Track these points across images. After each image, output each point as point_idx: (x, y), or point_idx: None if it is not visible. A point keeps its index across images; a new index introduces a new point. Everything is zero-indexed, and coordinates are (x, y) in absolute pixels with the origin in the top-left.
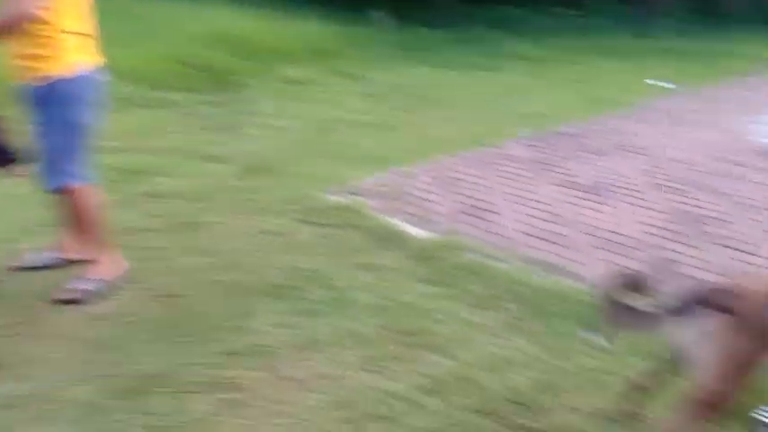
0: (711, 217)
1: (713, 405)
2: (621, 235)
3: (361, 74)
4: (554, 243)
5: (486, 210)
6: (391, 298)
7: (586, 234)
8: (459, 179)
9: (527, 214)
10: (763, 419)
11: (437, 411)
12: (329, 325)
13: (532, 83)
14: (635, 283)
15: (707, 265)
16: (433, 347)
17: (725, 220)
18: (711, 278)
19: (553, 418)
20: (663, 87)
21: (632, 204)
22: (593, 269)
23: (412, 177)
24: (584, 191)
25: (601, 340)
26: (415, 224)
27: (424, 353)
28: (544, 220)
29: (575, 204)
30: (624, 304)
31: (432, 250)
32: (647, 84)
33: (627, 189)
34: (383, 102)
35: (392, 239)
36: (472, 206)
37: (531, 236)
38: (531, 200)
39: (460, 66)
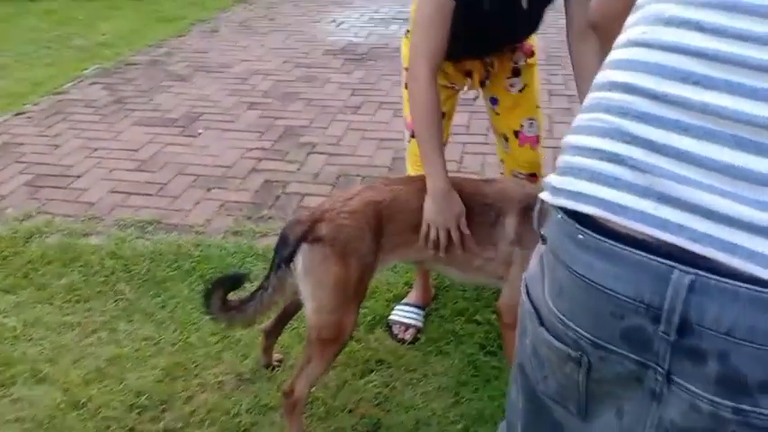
0: (303, 126)
1: (332, 339)
2: (221, 167)
3: None
4: (150, 195)
5: (62, 175)
6: None
7: (184, 175)
8: (20, 144)
9: (113, 168)
10: (396, 318)
11: None
12: None
13: (84, 7)
14: (231, 283)
15: (310, 178)
16: (22, 380)
17: (317, 127)
18: (315, 189)
19: (183, 408)
20: None
21: (226, 130)
22: (198, 213)
23: None
24: (173, 125)
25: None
26: None
27: (11, 391)
28: (134, 170)
29: (165, 143)
30: (239, 301)
31: (0, 247)
32: None
33: (217, 114)
34: None
35: None
36: (44, 175)
37: (124, 193)
38: (115, 149)
39: None
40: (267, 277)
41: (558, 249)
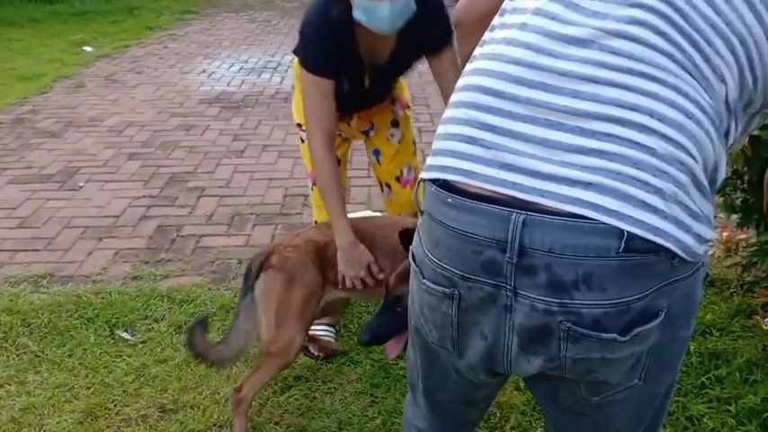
0: (189, 172)
1: (278, 354)
2: (108, 217)
3: None
4: (38, 250)
5: None
6: None
7: (71, 227)
8: None
9: None
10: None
11: None
12: None
13: None
14: (202, 326)
15: (204, 220)
16: None
17: (203, 172)
18: (211, 230)
19: None
20: (89, 52)
21: (109, 181)
22: (93, 262)
23: None
24: (51, 181)
25: (130, 335)
26: None
27: None
28: (17, 228)
29: (46, 199)
30: (217, 343)
31: None
32: (77, 51)
33: (97, 167)
34: None
35: None
36: None
37: (9, 250)
38: None
39: None
40: (238, 306)
41: (433, 213)
